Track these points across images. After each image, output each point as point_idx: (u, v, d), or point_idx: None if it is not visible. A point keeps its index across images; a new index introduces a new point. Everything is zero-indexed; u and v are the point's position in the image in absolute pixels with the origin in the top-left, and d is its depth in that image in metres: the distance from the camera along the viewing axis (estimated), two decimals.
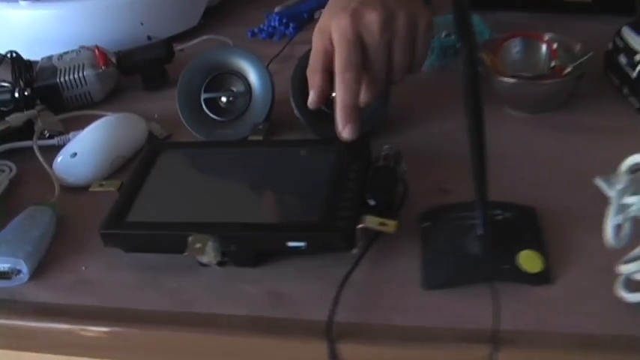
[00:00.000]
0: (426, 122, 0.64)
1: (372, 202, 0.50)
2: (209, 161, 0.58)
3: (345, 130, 0.53)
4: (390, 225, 0.48)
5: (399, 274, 0.48)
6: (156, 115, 0.71)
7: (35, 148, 0.64)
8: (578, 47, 0.63)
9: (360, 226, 0.47)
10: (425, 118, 0.64)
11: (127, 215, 0.52)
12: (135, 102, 0.75)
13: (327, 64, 0.55)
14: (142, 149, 0.65)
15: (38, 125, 0.67)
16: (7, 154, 0.66)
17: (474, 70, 0.45)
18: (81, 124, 0.69)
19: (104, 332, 0.49)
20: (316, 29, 0.57)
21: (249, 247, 0.49)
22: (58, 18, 0.81)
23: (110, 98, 0.76)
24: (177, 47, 0.79)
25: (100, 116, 0.69)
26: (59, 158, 0.63)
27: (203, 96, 0.65)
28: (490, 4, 0.77)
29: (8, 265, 0.52)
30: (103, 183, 0.56)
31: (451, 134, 0.61)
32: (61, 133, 0.68)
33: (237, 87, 0.65)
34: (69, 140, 0.67)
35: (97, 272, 0.53)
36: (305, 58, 0.62)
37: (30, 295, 0.52)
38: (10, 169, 0.63)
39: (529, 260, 0.46)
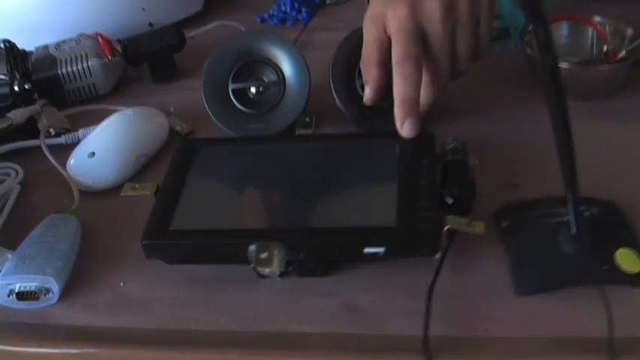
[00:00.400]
0: (478, 111, 0.59)
1: (449, 201, 0.46)
2: (255, 159, 0.51)
3: (405, 126, 0.49)
4: (479, 226, 0.43)
5: (485, 279, 0.44)
6: (172, 109, 0.64)
7: (44, 147, 0.56)
8: (629, 31, 0.60)
9: (445, 227, 0.43)
10: (475, 106, 0.60)
11: (170, 222, 0.46)
12: (144, 95, 0.68)
13: (383, 55, 0.50)
14: (164, 146, 0.59)
15: (43, 122, 0.60)
16: (10, 156, 0.58)
17: (552, 56, 0.41)
18: (88, 120, 0.62)
19: (152, 357, 0.43)
20: (367, 18, 0.52)
21: (320, 255, 0.44)
22: (51, 3, 0.73)
23: (116, 91, 0.69)
24: (188, 34, 0.72)
25: (110, 111, 0.62)
26: (73, 159, 0.56)
27: (231, 86, 0.59)
28: None
29: (35, 284, 0.45)
30: (136, 186, 0.49)
31: (508, 122, 0.57)
32: (68, 131, 0.60)
33: (268, 76, 0.60)
34: (79, 139, 0.59)
35: (138, 288, 0.46)
36: (346, 46, 0.57)
37: (62, 318, 0.45)
38: (17, 173, 0.56)
39: (627, 259, 0.43)
